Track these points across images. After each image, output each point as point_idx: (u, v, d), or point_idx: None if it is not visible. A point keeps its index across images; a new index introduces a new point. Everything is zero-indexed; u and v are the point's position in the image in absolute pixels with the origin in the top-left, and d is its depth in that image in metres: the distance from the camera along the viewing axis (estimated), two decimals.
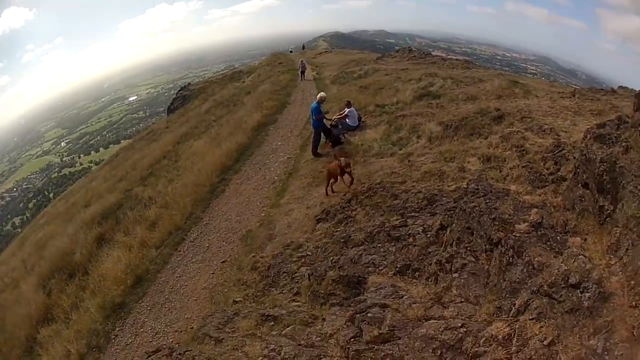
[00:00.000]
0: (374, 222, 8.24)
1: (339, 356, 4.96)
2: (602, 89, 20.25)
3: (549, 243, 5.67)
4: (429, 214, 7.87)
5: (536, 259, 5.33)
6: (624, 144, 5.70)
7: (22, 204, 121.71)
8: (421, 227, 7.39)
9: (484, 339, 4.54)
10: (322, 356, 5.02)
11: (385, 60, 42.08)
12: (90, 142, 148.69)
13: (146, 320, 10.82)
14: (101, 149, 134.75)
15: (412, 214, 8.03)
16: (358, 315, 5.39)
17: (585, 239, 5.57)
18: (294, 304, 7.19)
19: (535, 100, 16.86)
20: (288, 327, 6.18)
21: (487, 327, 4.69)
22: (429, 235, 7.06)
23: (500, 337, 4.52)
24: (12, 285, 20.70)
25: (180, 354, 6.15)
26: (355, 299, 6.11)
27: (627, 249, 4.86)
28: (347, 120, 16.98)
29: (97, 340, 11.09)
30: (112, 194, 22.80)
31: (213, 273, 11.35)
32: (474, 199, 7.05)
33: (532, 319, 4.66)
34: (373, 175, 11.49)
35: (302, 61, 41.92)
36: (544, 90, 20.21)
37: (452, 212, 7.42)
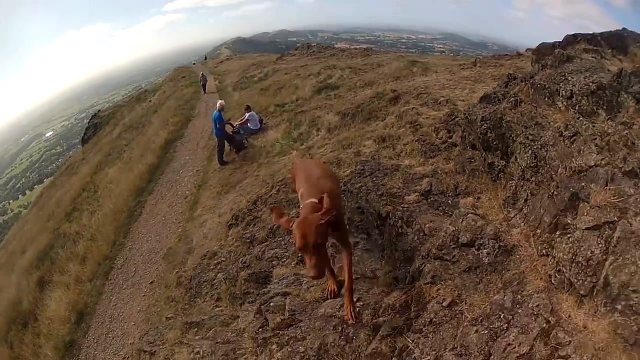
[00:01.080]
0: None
1: (251, 347, 5.38)
2: (507, 55, 21.26)
3: (440, 208, 6.10)
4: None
5: (427, 225, 5.63)
6: (512, 99, 6.21)
7: None
8: None
9: (382, 309, 4.82)
10: (236, 350, 5.51)
11: (285, 60, 42.43)
12: (17, 186, 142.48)
13: (96, 353, 10.99)
14: (27, 192, 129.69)
15: None
16: (263, 306, 5.82)
17: (479, 198, 5.96)
18: (217, 309, 7.60)
19: (434, 76, 17.70)
20: (210, 330, 6.62)
21: (385, 298, 5.02)
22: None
23: (397, 305, 4.78)
24: None
25: None
26: (262, 290, 6.55)
27: (526, 200, 5.13)
28: (248, 124, 17.45)
29: None
30: (43, 235, 22.59)
31: (144, 296, 11.60)
32: (361, 179, 7.73)
33: (427, 283, 4.73)
34: (276, 175, 11.93)
35: (202, 74, 41.96)
36: (445, 65, 21.08)
37: (343, 195, 7.60)
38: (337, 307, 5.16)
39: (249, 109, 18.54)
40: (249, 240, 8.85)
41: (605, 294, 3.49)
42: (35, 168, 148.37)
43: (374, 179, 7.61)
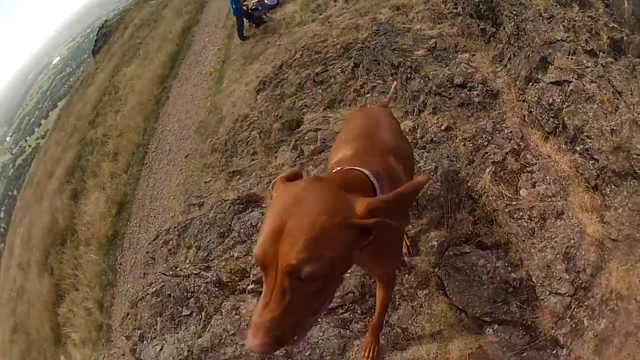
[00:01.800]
0: (302, 75, 9.25)
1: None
2: None
3: (443, 61, 7.05)
4: (345, 58, 8.95)
5: (431, 72, 6.66)
6: None
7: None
8: (340, 69, 8.50)
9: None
10: (275, 176, 6.19)
11: None
12: (31, 121, 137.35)
13: (139, 235, 11.66)
14: (42, 121, 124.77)
15: (332, 61, 9.10)
16: (298, 141, 6.64)
17: (474, 55, 6.89)
18: (253, 161, 8.22)
19: None
20: (252, 174, 7.31)
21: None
22: (346, 74, 8.23)
23: (407, 129, 5.71)
24: (18, 297, 21.03)
25: (176, 228, 7.23)
26: (295, 131, 7.29)
27: (509, 58, 6.18)
28: (265, 1, 17.46)
29: (107, 279, 11.71)
30: (68, 151, 22.63)
31: (180, 169, 12.15)
32: (376, 37, 8.43)
33: (429, 113, 5.97)
34: (298, 42, 12.08)
35: None
36: None
37: (362, 51, 8.55)
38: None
39: None
40: (278, 97, 9.33)
41: (565, 135, 4.61)
42: (46, 96, 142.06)
43: (388, 38, 8.27)
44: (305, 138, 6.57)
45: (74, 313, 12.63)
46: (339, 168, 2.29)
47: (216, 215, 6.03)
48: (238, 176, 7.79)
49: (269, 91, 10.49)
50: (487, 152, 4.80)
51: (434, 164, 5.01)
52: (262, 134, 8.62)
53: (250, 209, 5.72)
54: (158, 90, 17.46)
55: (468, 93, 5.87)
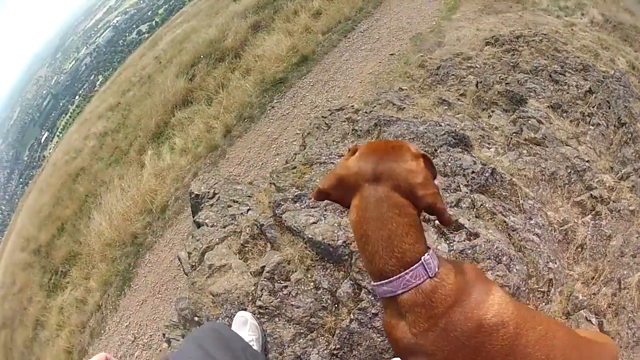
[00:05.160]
0: (539, 61, 9.24)
1: (501, 142, 6.43)
2: None
3: None
4: (582, 77, 8.94)
5: None
6: None
7: (150, 12, 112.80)
8: (575, 83, 8.55)
9: (597, 179, 5.80)
10: (488, 137, 6.51)
11: None
12: None
13: (307, 94, 11.87)
14: None
15: (570, 70, 9.11)
16: (520, 119, 6.88)
17: None
18: (459, 101, 8.42)
19: None
20: (459, 113, 7.54)
21: (600, 174, 5.98)
22: (579, 92, 8.26)
23: (607, 185, 5.78)
24: (141, 82, 21.84)
25: (366, 112, 7.53)
26: (519, 108, 7.45)
27: None
28: None
29: (250, 112, 12.03)
30: None
31: (380, 62, 12.14)
32: (617, 84, 8.33)
33: (628, 187, 5.93)
34: (539, 27, 11.95)
35: None
36: None
37: (600, 84, 8.51)
38: (574, 155, 6.17)
39: None
40: (511, 64, 9.42)
41: None
42: None
43: (624, 92, 8.25)
44: (529, 121, 6.78)
45: (191, 122, 13.45)
46: None
47: (426, 132, 6.26)
48: (446, 107, 7.98)
49: (499, 51, 10.52)
50: None
51: (609, 231, 5.16)
52: (481, 84, 8.72)
53: (461, 150, 5.90)
54: None
55: None
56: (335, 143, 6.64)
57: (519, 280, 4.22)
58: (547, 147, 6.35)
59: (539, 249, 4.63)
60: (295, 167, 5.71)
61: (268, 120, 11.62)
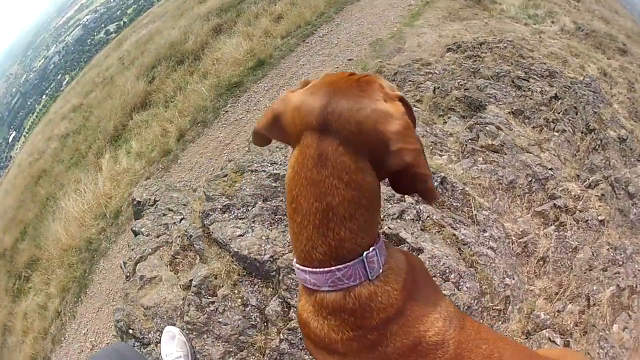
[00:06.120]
0: (501, 67, 8.93)
1: (455, 149, 6.02)
2: None
3: (626, 158, 6.77)
4: (547, 84, 8.63)
5: (612, 160, 6.34)
6: None
7: (119, 11, 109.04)
8: (539, 89, 8.22)
9: (561, 188, 5.45)
10: (441, 144, 6.12)
11: None
12: None
13: (261, 99, 11.59)
14: None
15: (535, 76, 8.80)
16: (477, 125, 6.44)
17: None
18: (415, 107, 7.90)
19: None
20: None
21: (566, 182, 5.62)
22: (543, 98, 7.92)
23: (572, 193, 5.43)
24: (104, 83, 21.55)
25: None
26: (477, 114, 7.07)
27: None
28: None
29: (204, 116, 11.80)
30: None
31: (337, 68, 11.87)
32: (587, 90, 8.05)
33: (596, 195, 5.55)
34: (505, 34, 11.80)
35: None
36: None
37: (567, 90, 8.21)
38: (535, 163, 5.77)
39: None
40: (471, 70, 9.08)
41: None
42: None
43: (594, 98, 8.09)
44: (486, 128, 6.36)
45: (148, 125, 13.15)
46: None
47: None
48: None
49: (460, 57, 10.24)
50: (618, 272, 4.52)
51: (575, 243, 4.82)
52: (438, 90, 8.43)
53: None
54: None
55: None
56: (278, 149, 6.15)
57: (470, 299, 3.86)
58: (505, 154, 5.93)
59: (493, 264, 4.26)
60: (226, 175, 5.23)
61: (221, 125, 11.41)
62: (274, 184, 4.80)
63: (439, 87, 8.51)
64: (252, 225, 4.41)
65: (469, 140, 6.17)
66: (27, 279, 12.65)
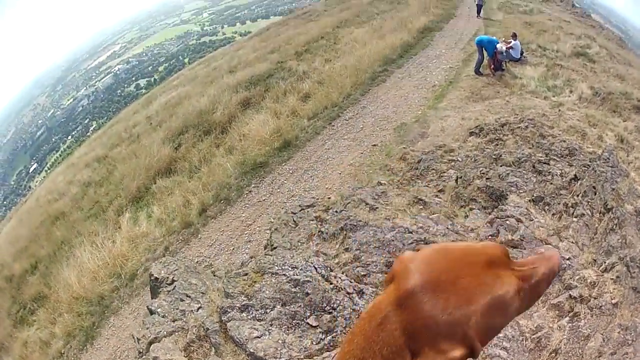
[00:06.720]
0: (523, 151, 9.14)
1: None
2: None
3: None
4: (567, 163, 8.86)
5: (628, 237, 6.41)
6: None
7: (150, 67, 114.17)
8: (559, 171, 8.44)
9: (577, 277, 5.62)
10: (464, 241, 6.33)
11: (549, 5, 40.05)
12: (237, 15, 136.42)
13: (285, 182, 11.84)
14: (248, 22, 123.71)
15: (555, 157, 9.02)
16: (498, 219, 6.66)
17: None
18: (437, 199, 8.27)
19: None
20: (434, 214, 7.32)
21: (582, 270, 5.80)
22: (563, 180, 8.13)
23: (588, 281, 5.60)
24: (130, 139, 21.84)
25: (336, 212, 7.36)
26: (498, 207, 7.26)
27: None
28: (511, 51, 17.53)
29: (228, 193, 12.00)
30: (263, 63, 23.08)
31: (362, 153, 12.18)
32: (605, 165, 8.14)
33: (611, 279, 5.71)
34: (525, 111, 11.96)
35: None
36: None
37: (586, 169, 8.36)
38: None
39: (514, 36, 18.07)
40: (493, 157, 9.27)
41: None
42: (263, 4, 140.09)
43: (612, 173, 7.92)
44: (507, 222, 6.58)
45: (170, 193, 13.33)
46: None
47: (393, 240, 6.04)
48: (421, 206, 7.77)
49: (482, 141, 10.51)
50: (626, 353, 4.64)
51: (587, 331, 4.94)
52: (460, 180, 8.62)
53: None
54: (379, 69, 17.61)
55: None
56: (300, 244, 6.47)
57: None
58: (524, 249, 6.14)
59: None
60: (247, 274, 5.57)
61: (244, 204, 11.57)
62: (293, 289, 5.07)
63: (461, 177, 8.70)
64: (270, 328, 4.63)
65: (489, 237, 6.40)
66: (32, 311, 12.82)
